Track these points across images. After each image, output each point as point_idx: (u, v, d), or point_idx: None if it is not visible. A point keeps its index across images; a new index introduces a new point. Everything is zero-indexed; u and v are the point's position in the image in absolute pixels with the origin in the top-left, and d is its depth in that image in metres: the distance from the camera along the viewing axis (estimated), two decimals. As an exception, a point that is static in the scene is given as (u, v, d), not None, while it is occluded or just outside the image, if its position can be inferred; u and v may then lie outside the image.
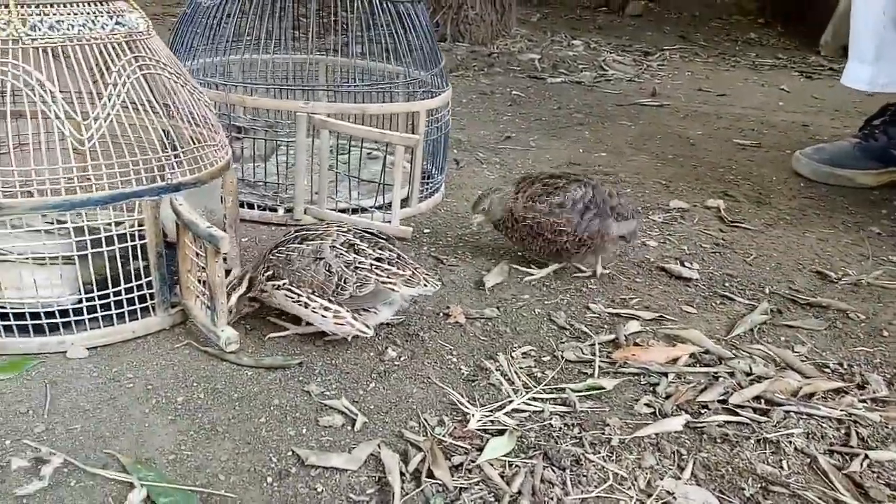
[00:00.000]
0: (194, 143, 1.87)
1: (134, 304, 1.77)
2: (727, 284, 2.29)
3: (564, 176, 2.25)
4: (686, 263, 2.40)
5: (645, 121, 4.43)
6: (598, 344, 1.88)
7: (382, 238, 1.82)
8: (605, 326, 1.99)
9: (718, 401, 1.64)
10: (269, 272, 1.76)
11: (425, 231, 2.58)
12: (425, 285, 1.78)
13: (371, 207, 2.57)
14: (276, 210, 2.54)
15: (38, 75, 1.63)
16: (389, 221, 2.49)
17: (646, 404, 1.62)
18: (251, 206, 2.53)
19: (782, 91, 5.46)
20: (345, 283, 1.72)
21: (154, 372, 1.67)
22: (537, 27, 7.34)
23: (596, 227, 2.19)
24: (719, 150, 3.86)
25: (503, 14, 6.50)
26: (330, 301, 1.73)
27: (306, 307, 1.74)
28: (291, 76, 2.91)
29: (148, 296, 1.79)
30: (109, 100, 1.68)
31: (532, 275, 2.25)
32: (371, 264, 1.75)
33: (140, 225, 1.73)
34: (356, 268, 1.73)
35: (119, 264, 1.70)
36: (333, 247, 1.75)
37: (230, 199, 2.04)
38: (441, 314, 2.00)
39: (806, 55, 6.76)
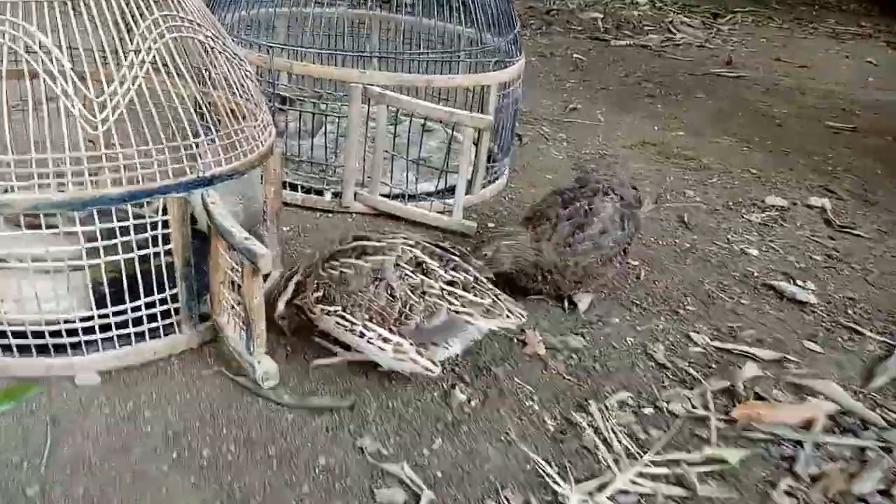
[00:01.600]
0: (232, 125, 1.52)
1: (156, 320, 1.44)
2: (851, 312, 1.90)
3: (577, 191, 1.81)
4: (798, 282, 2.01)
5: (722, 95, 3.95)
6: (711, 393, 1.52)
7: (457, 255, 1.46)
8: (715, 367, 1.63)
9: (879, 491, 1.28)
10: (320, 293, 1.42)
11: (489, 225, 2.21)
12: (508, 317, 1.42)
13: (428, 194, 2.21)
14: (322, 194, 2.19)
15: (43, 38, 1.28)
16: (450, 212, 2.12)
17: (786, 492, 1.27)
18: (294, 188, 2.18)
19: (869, 64, 4.89)
20: (410, 310, 1.37)
21: (177, 410, 1.35)
22: (596, -18, 6.75)
23: (634, 228, 1.86)
24: (811, 134, 3.39)
25: (562, -32, 5.95)
26: (390, 331, 1.39)
27: (362, 337, 1.40)
28: (344, 37, 2.50)
29: (172, 310, 1.46)
30: (130, 71, 1.33)
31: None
32: (443, 289, 1.39)
33: (165, 226, 1.39)
34: (424, 293, 1.38)
35: (138, 272, 1.37)
36: (398, 265, 1.40)
37: (272, 190, 1.69)
38: (516, 341, 1.65)
39: (891, 23, 6.11)
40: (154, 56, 1.36)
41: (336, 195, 2.17)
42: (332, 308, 1.40)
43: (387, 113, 2.04)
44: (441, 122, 2.28)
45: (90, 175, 1.28)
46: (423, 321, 1.38)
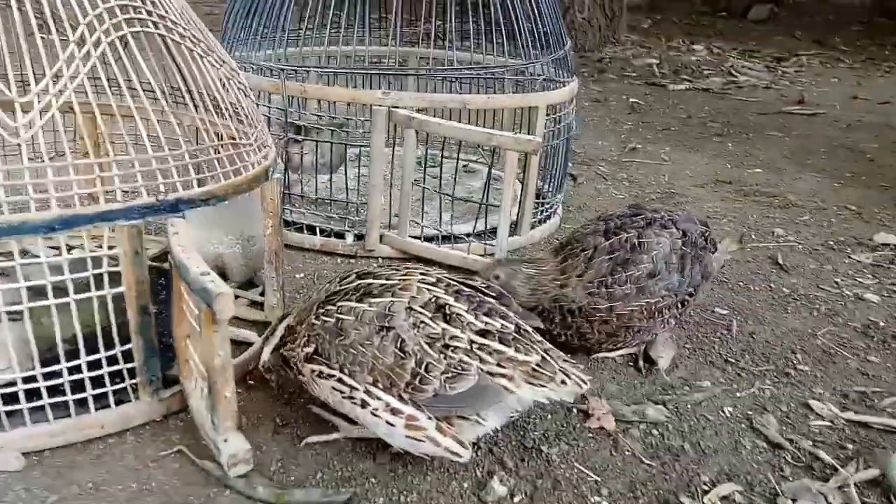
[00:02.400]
0: (212, 140, 1.21)
1: (102, 385, 1.10)
2: None
3: (627, 220, 1.41)
4: (940, 333, 1.55)
5: (800, 131, 3.52)
6: (855, 486, 1.07)
7: (493, 296, 1.08)
8: (851, 447, 1.18)
9: None
10: (311, 347, 1.06)
11: (540, 269, 1.83)
12: (564, 383, 1.03)
13: (467, 235, 1.85)
14: (343, 237, 1.86)
15: None
16: (492, 254, 1.76)
17: None
18: (312, 231, 1.85)
19: (956, 99, 4.39)
20: (426, 371, 1.00)
21: (125, 500, 0.99)
22: (649, 33, 6.48)
23: (699, 275, 1.42)
24: (910, 168, 2.93)
25: (613, 19, 5.68)
26: (401, 399, 1.01)
27: (364, 407, 1.03)
28: (366, 57, 2.20)
29: (126, 372, 1.12)
30: (68, 67, 1.04)
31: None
32: (472, 341, 1.01)
33: (114, 262, 1.07)
34: (447, 346, 1.01)
35: (77, 324, 1.05)
36: (411, 309, 1.03)
37: (269, 224, 1.37)
38: (576, 412, 1.24)
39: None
40: (104, 51, 1.07)
41: (359, 237, 1.84)
42: (325, 369, 1.04)
43: (415, 140, 1.71)
44: (478, 149, 1.94)
45: (6, 195, 0.97)
46: (444, 386, 1.00)
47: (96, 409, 1.10)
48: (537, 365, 1.01)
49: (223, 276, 1.51)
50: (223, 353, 0.97)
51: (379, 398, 1.01)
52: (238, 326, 1.40)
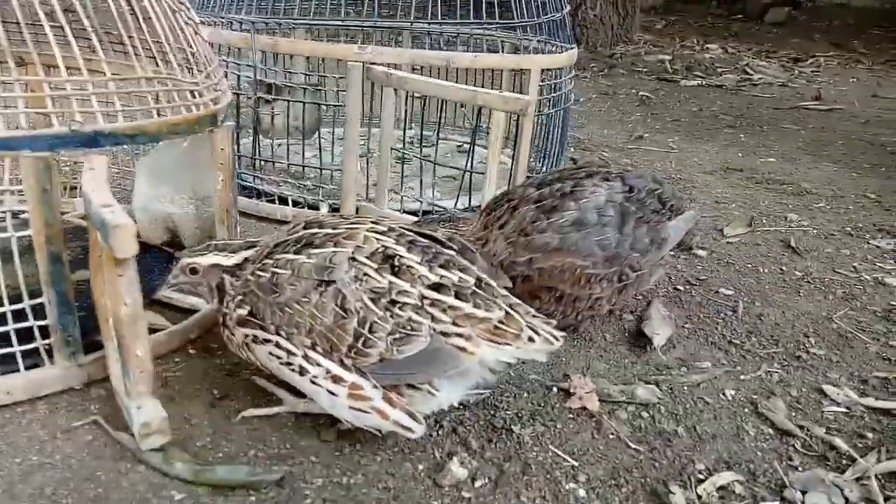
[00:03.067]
0: (144, 71, 1.07)
1: (8, 345, 0.96)
2: None
3: (566, 173, 1.21)
4: (970, 318, 1.38)
5: (816, 125, 3.35)
6: (877, 478, 0.91)
7: (452, 247, 0.93)
8: (870, 435, 1.01)
9: None
10: (244, 309, 0.91)
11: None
12: (531, 340, 0.87)
13: (451, 210, 1.70)
14: (317, 208, 1.71)
15: None
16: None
17: None
18: (283, 202, 1.72)
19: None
20: (371, 332, 0.85)
21: (14, 481, 0.85)
22: (663, 33, 6.33)
23: (647, 241, 1.17)
24: (931, 160, 2.75)
25: (626, 17, 5.53)
26: (342, 365, 0.86)
27: (301, 375, 0.88)
28: (343, 7, 2.04)
29: (37, 331, 0.98)
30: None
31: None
32: (424, 297, 0.86)
33: (21, 200, 0.93)
34: (394, 303, 0.85)
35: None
36: (355, 260, 0.88)
37: (220, 179, 1.23)
38: (556, 390, 1.09)
39: None
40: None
41: (334, 209, 1.70)
42: (260, 333, 0.89)
43: (393, 100, 1.57)
44: (466, 118, 1.79)
45: None
46: (391, 349, 0.85)
47: (2, 374, 0.97)
48: (500, 322, 0.85)
49: (175, 240, 1.38)
50: (131, 300, 0.82)
51: (319, 364, 0.86)
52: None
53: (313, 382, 0.88)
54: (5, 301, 0.94)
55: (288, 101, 1.64)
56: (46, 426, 0.95)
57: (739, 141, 3.01)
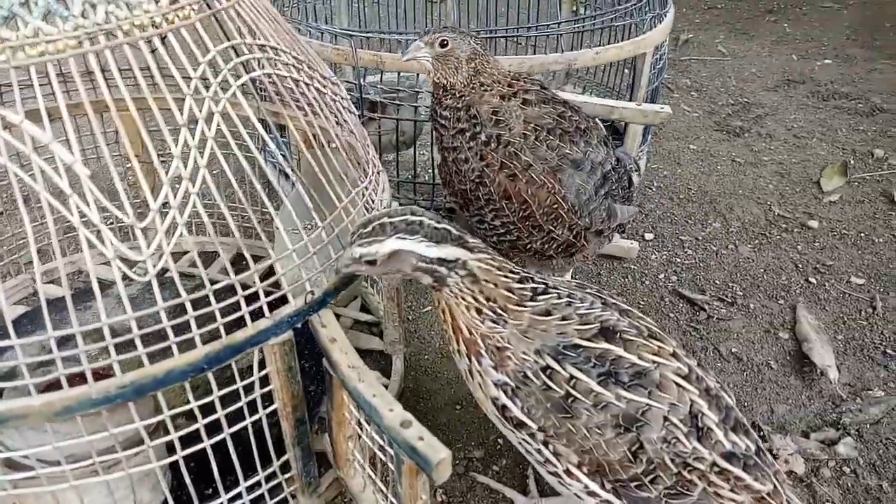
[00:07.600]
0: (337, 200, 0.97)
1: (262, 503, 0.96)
2: None
3: (575, 113, 1.20)
4: None
5: (857, 1, 3.20)
6: None
7: (714, 380, 0.91)
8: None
9: None
10: (503, 391, 0.87)
11: (646, 237, 1.66)
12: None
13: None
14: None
15: (35, 130, 0.73)
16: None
17: None
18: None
19: None
20: (652, 482, 0.85)
21: None
22: None
23: (603, 214, 1.23)
24: None
25: None
26: (602, 486, 0.88)
27: (552, 475, 0.90)
28: (431, 16, 1.86)
29: (284, 483, 0.98)
30: (185, 166, 0.78)
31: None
32: (715, 465, 0.85)
33: (263, 383, 0.88)
34: (686, 465, 0.84)
35: (231, 450, 0.88)
36: (668, 420, 0.84)
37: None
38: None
39: None
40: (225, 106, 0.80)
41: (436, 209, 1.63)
42: (519, 415, 0.87)
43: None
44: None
45: (143, 347, 0.76)
46: (661, 499, 0.87)
47: (258, 525, 0.97)
48: (767, 495, 0.87)
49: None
50: (425, 496, 0.82)
51: (579, 480, 0.88)
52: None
53: (561, 484, 0.90)
54: (259, 468, 0.92)
55: (396, 119, 1.51)
56: (315, 571, 0.97)
57: (786, 35, 2.88)
